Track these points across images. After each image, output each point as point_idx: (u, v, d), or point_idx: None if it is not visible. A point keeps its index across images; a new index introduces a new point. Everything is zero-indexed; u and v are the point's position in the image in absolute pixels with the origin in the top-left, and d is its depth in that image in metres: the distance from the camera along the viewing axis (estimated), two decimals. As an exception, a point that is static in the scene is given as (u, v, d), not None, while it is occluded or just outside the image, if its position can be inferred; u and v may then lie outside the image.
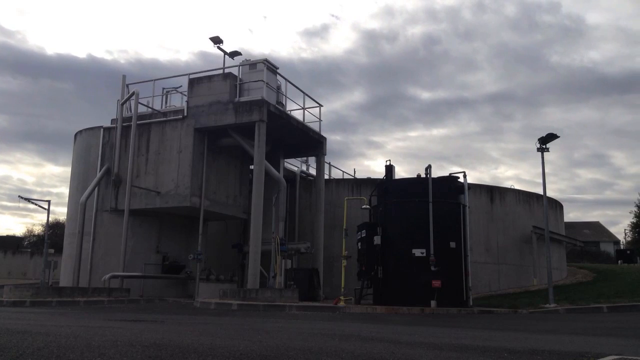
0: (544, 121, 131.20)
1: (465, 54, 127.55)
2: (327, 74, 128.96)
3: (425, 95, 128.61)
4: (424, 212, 15.92)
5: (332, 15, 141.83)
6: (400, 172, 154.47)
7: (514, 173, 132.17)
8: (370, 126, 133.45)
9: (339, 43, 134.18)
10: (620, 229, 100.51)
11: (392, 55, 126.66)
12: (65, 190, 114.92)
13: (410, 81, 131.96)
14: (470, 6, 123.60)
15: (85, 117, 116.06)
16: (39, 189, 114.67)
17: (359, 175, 30.03)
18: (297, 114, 22.57)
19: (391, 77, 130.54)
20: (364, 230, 16.90)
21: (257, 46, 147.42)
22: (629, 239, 57.05)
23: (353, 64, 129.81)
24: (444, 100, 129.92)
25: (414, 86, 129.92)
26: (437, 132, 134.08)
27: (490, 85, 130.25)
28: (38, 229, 68.92)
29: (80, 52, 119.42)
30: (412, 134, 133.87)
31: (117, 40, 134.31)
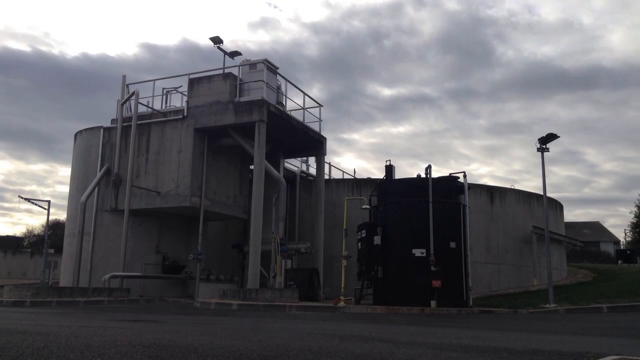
0: (510, 118, 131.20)
1: (417, 49, 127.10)
2: (280, 69, 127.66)
3: (386, 92, 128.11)
4: (424, 212, 15.92)
5: (270, 5, 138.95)
6: (372, 170, 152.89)
7: (487, 170, 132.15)
8: (338, 123, 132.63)
9: (285, 36, 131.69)
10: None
11: (343, 49, 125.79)
12: (37, 188, 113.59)
13: (368, 77, 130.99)
14: (411, 0, 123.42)
15: (47, 114, 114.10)
16: (10, 187, 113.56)
17: (339, 175, 29.99)
18: (297, 114, 22.60)
19: (347, 72, 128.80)
20: (364, 230, 16.89)
21: (202, 38, 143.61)
22: (629, 239, 57.08)
23: (305, 58, 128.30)
24: (407, 97, 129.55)
25: (373, 82, 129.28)
26: (404, 129, 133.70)
27: (449, 81, 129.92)
28: (38, 229, 68.92)
29: (22, 45, 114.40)
30: (380, 130, 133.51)
31: (56, 33, 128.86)
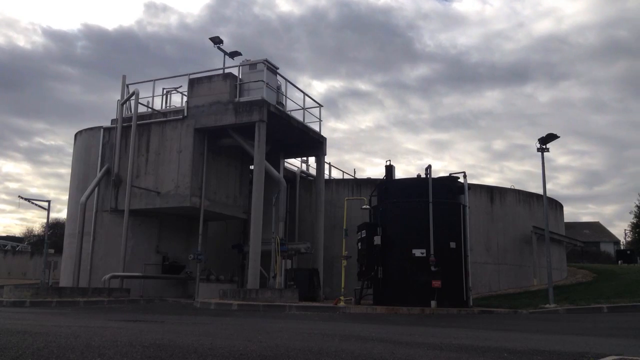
0: (451, 113, 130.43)
1: (333, 40, 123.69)
2: (198, 59, 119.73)
3: (318, 86, 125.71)
4: (424, 212, 15.92)
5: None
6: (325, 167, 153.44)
7: (441, 165, 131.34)
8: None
9: (190, 20, 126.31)
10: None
11: (254, 38, 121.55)
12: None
13: (294, 69, 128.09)
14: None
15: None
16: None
17: (339, 175, 29.98)
18: (297, 114, 22.61)
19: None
20: (364, 231, 16.89)
21: (107, 22, 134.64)
22: (629, 239, 57.08)
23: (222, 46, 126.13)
24: (341, 92, 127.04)
25: (301, 75, 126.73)
26: (349, 125, 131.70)
27: (377, 74, 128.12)
28: (38, 229, 68.89)
29: None
30: (324, 126, 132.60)
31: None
